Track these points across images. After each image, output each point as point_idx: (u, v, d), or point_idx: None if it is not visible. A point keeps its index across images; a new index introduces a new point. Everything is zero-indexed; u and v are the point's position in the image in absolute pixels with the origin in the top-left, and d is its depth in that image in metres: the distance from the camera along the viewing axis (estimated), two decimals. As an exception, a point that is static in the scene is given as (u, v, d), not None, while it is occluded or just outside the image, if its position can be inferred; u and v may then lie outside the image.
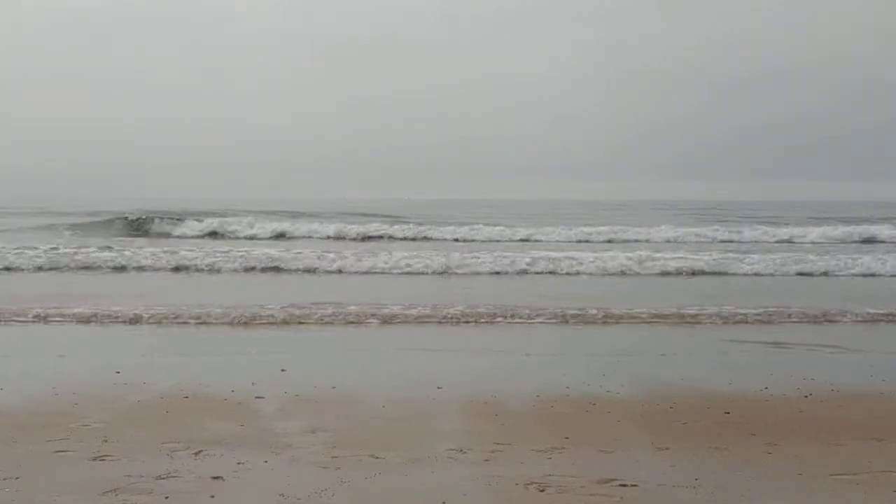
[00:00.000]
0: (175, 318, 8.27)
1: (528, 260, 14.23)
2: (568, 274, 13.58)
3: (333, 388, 5.43)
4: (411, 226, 23.02)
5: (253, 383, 5.46)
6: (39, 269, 13.05)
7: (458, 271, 13.65)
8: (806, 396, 5.30)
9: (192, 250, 14.69)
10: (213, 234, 21.51)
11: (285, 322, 8.23)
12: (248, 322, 8.17)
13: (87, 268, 13.26)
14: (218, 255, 14.20)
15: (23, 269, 12.96)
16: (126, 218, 24.14)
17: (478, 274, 13.55)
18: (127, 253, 14.17)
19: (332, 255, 14.25)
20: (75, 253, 13.97)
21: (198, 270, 13.37)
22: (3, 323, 7.99)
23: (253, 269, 13.50)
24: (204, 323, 8.13)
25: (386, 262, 13.92)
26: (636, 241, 21.18)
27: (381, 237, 21.51)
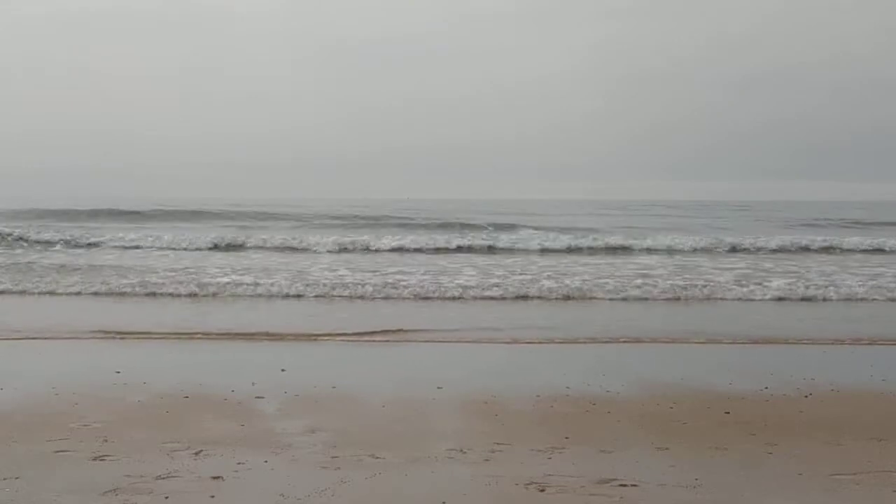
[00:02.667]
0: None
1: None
2: None
3: (333, 388, 5.43)
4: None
5: (253, 383, 5.46)
6: None
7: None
8: (806, 396, 5.30)
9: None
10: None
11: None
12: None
13: None
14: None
15: None
16: None
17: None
18: None
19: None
20: None
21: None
22: None
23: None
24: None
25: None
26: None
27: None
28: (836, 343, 7.52)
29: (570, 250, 18.35)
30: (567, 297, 10.88)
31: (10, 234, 19.55)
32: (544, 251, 18.24)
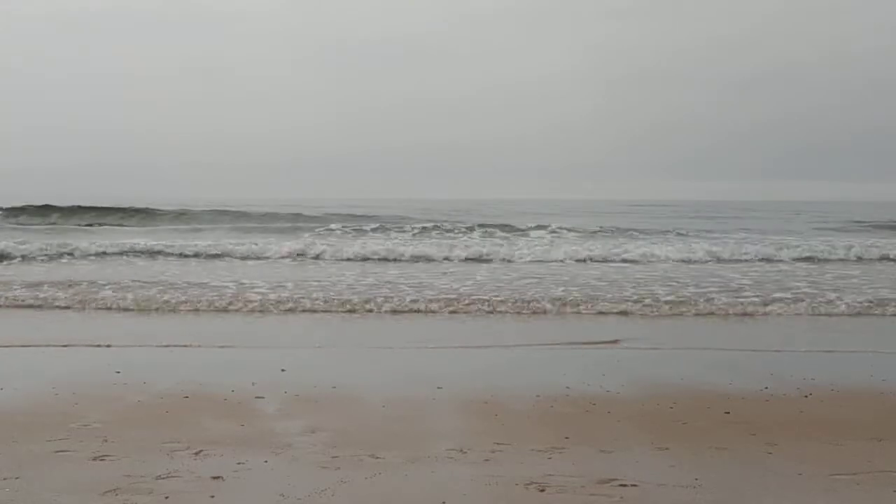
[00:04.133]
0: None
1: None
2: None
3: (333, 388, 5.43)
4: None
5: (253, 383, 5.46)
6: None
7: None
8: (806, 396, 5.29)
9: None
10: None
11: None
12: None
13: None
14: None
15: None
16: None
17: None
18: None
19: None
20: None
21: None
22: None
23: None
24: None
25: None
26: None
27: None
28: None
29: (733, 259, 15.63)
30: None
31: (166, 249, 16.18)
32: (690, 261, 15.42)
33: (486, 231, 22.26)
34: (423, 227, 22.86)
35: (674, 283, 11.57)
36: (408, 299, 9.73)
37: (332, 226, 23.12)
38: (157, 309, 9.41)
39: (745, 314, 9.20)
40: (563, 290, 10.55)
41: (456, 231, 22.27)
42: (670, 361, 6.59)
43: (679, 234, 22.29)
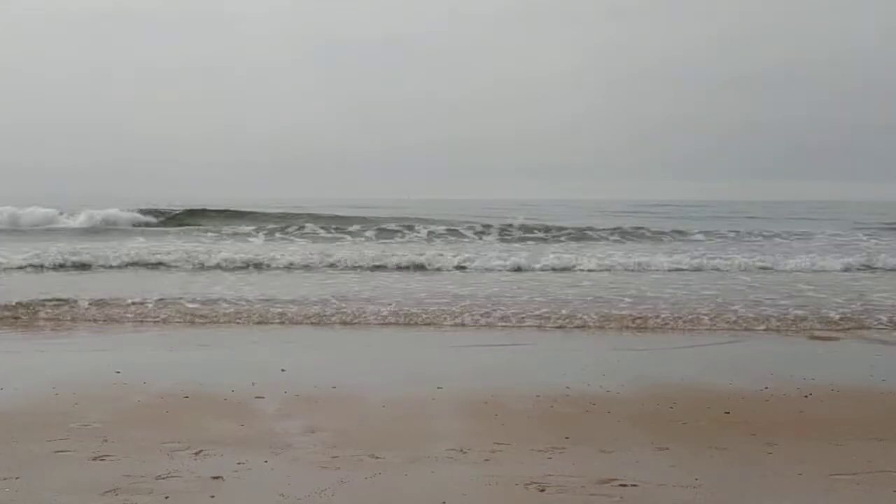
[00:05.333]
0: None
1: None
2: None
3: (333, 388, 5.43)
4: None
5: (253, 383, 5.46)
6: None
7: None
8: (806, 396, 5.30)
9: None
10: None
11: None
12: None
13: None
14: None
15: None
16: None
17: None
18: None
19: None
20: None
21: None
22: None
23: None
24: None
25: None
26: None
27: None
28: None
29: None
30: None
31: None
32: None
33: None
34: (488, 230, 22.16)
35: None
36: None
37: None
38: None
39: None
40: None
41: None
42: (670, 361, 6.59)
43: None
